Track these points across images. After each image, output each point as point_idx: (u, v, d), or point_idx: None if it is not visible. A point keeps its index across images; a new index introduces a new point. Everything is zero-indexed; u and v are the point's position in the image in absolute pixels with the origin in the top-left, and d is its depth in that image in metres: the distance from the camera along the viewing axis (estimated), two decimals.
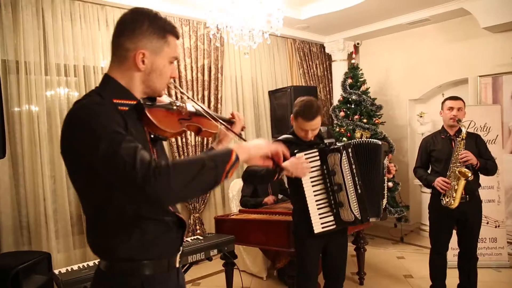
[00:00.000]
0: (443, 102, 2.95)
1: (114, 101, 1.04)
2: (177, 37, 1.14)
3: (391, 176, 2.25)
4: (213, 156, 1.00)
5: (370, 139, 2.24)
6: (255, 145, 1.11)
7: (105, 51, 3.64)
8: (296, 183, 2.15)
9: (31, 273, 2.61)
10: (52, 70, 3.31)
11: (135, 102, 1.09)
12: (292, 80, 5.31)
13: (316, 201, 2.11)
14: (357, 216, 2.11)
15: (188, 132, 4.10)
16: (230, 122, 1.46)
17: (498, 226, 3.81)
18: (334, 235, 2.25)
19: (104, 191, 1.02)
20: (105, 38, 3.63)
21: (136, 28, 1.06)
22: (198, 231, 4.21)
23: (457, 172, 2.69)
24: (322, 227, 2.11)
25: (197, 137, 4.24)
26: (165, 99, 1.22)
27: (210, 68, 4.32)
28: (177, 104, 1.21)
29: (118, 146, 0.91)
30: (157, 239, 1.10)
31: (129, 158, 0.90)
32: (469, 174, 2.64)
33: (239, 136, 1.38)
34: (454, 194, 2.72)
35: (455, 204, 2.73)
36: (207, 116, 1.28)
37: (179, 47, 1.16)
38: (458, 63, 4.63)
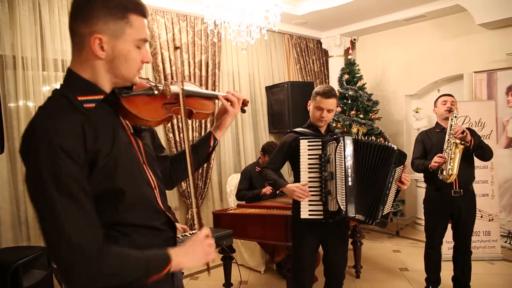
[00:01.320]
0: (436, 100, 3.03)
1: (79, 98, 0.93)
2: (144, 16, 0.99)
3: (405, 187, 2.18)
4: (148, 263, 0.94)
5: (382, 142, 2.17)
6: (190, 259, 1.03)
7: None
8: (296, 170, 2.24)
9: (30, 268, 2.63)
10: (49, 66, 3.30)
11: (102, 97, 0.96)
12: (289, 76, 5.33)
13: (310, 187, 2.13)
14: (341, 207, 2.03)
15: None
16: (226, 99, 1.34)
17: (492, 219, 3.88)
18: (333, 233, 2.28)
19: None
20: None
21: (89, 9, 0.91)
22: (196, 226, 4.23)
23: (452, 142, 2.69)
24: (309, 214, 2.12)
25: (194, 133, 4.25)
26: (145, 84, 1.09)
27: (207, 63, 4.32)
28: (159, 88, 1.08)
29: (55, 218, 0.82)
30: (147, 246, 1.01)
31: (55, 240, 0.83)
32: (468, 137, 2.65)
33: (242, 110, 1.37)
34: (451, 163, 2.69)
35: (453, 173, 2.69)
36: (199, 95, 1.21)
37: (145, 25, 0.99)
38: (454, 59, 4.67)
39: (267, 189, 3.69)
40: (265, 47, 5.07)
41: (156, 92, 1.07)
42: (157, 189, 1.10)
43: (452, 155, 2.71)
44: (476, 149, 2.77)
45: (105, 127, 0.95)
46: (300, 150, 2.18)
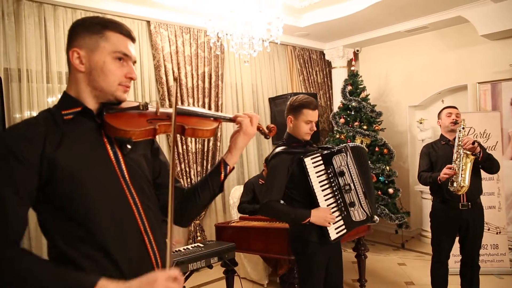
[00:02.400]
0: (440, 112, 3.00)
1: (62, 112, 1.02)
2: (123, 34, 1.06)
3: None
4: (64, 280, 0.89)
5: (355, 143, 2.34)
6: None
7: None
8: (305, 190, 2.08)
9: None
10: (53, 78, 3.34)
11: (79, 109, 1.03)
12: (292, 87, 5.34)
13: (327, 206, 2.06)
14: (368, 213, 2.13)
15: (189, 139, 4.13)
16: (231, 121, 1.26)
17: (499, 232, 3.80)
18: (336, 245, 2.24)
19: None
20: None
21: (72, 33, 1.05)
22: (199, 238, 4.20)
23: (462, 152, 2.65)
24: (337, 233, 2.07)
25: (197, 145, 4.25)
26: (132, 103, 1.13)
27: (210, 75, 4.35)
28: (147, 106, 1.12)
29: None
30: (108, 261, 0.98)
31: None
32: (478, 148, 2.61)
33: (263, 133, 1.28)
34: (462, 174, 2.64)
35: (465, 185, 2.64)
36: (198, 115, 1.19)
37: (125, 42, 1.05)
38: (457, 70, 4.66)
39: None
40: (268, 59, 5.10)
41: (142, 108, 1.10)
42: (140, 209, 1.06)
43: (463, 166, 2.66)
44: (485, 161, 2.71)
45: (76, 138, 1.01)
46: (308, 170, 2.04)
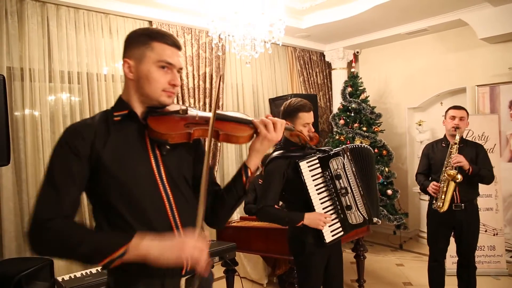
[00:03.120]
0: (446, 111, 2.95)
1: (115, 113, 1.16)
2: (166, 43, 1.15)
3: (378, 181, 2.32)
4: (98, 241, 1.03)
5: (361, 144, 2.29)
6: (161, 252, 1.01)
7: (108, 59, 3.69)
8: (301, 193, 2.09)
9: (33, 280, 2.62)
10: (56, 77, 3.35)
11: (126, 112, 1.16)
12: (292, 88, 5.37)
13: (323, 209, 2.08)
14: (365, 216, 2.13)
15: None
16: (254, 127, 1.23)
17: (497, 234, 3.84)
18: (336, 246, 2.25)
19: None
20: (108, 46, 3.68)
21: (124, 45, 1.18)
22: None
23: (445, 174, 2.72)
24: (332, 235, 2.08)
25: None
26: (175, 107, 1.21)
27: (211, 76, 4.37)
28: (188, 110, 1.20)
29: (42, 188, 1.06)
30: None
31: (34, 207, 1.04)
32: (458, 176, 2.65)
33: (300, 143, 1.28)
34: (443, 197, 2.74)
35: (444, 207, 2.75)
36: (234, 120, 1.22)
37: (169, 51, 1.14)
38: (456, 72, 4.70)
39: None
40: (269, 60, 5.12)
41: (182, 113, 1.18)
42: (174, 205, 1.15)
43: (445, 189, 2.75)
44: (474, 177, 2.76)
45: (121, 137, 1.14)
46: (303, 174, 2.06)
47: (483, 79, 4.42)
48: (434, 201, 2.83)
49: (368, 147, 2.29)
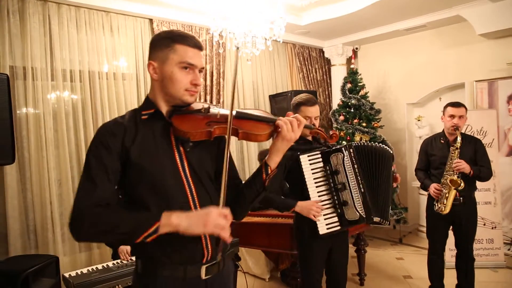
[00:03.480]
0: (445, 107, 2.96)
1: (142, 112, 1.25)
2: (188, 45, 1.21)
3: (395, 184, 2.32)
4: (133, 220, 1.11)
5: (377, 144, 2.26)
6: (189, 223, 1.10)
7: (109, 56, 3.70)
8: (300, 185, 2.18)
9: (40, 276, 2.66)
10: (58, 76, 3.37)
11: (153, 110, 1.24)
12: (292, 85, 5.39)
13: (321, 201, 2.14)
14: (362, 214, 2.13)
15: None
16: (274, 125, 1.25)
17: (495, 227, 3.90)
18: (339, 239, 2.29)
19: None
20: (109, 44, 3.70)
21: (150, 48, 1.26)
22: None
23: (448, 181, 2.77)
24: (327, 228, 2.13)
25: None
26: (198, 106, 1.27)
27: (212, 73, 4.39)
28: (210, 109, 1.25)
29: (81, 181, 1.15)
30: (172, 240, 1.15)
31: (74, 199, 1.14)
32: (461, 183, 2.72)
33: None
34: (445, 201, 2.82)
35: (445, 211, 2.83)
36: (254, 119, 1.25)
37: (191, 53, 1.20)
38: (455, 68, 4.73)
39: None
40: (269, 56, 5.14)
41: (203, 111, 1.24)
42: (196, 198, 1.22)
43: (447, 195, 2.81)
44: (474, 177, 2.87)
45: (147, 134, 1.22)
46: (303, 167, 2.14)
47: (482, 74, 4.46)
48: (435, 203, 2.89)
49: (384, 148, 2.24)
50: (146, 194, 1.18)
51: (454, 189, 2.75)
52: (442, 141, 2.99)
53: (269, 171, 1.28)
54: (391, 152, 2.27)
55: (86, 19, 3.53)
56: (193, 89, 1.23)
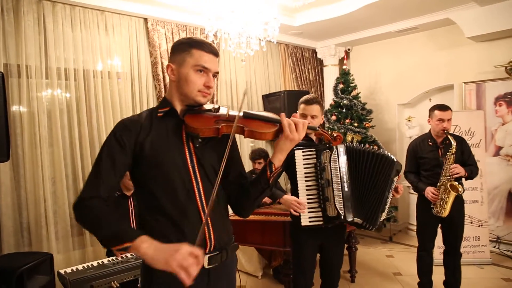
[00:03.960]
0: (432, 111, 3.02)
1: (159, 110, 1.36)
2: (204, 50, 1.31)
3: (398, 196, 2.29)
4: (112, 231, 1.17)
5: (379, 150, 2.27)
6: (154, 256, 1.10)
7: (104, 55, 3.72)
8: (293, 179, 2.31)
9: (34, 273, 2.67)
10: (52, 74, 3.37)
11: (168, 109, 1.35)
12: (285, 85, 5.45)
13: (307, 195, 2.24)
14: (340, 212, 2.15)
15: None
16: (280, 125, 1.32)
17: (481, 225, 4.01)
18: (332, 235, 2.37)
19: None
20: (104, 43, 3.71)
21: (170, 52, 1.38)
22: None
23: (448, 186, 2.84)
24: (310, 221, 2.22)
25: None
26: (209, 106, 1.37)
27: None
28: (220, 109, 1.35)
29: (91, 171, 1.27)
30: (175, 230, 1.25)
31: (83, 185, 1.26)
32: (460, 189, 2.81)
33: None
34: (444, 205, 2.87)
35: (445, 214, 2.89)
36: (261, 119, 1.32)
37: (206, 57, 1.30)
38: (444, 70, 4.84)
39: (267, 198, 3.79)
40: (262, 57, 5.19)
41: (214, 111, 1.34)
42: (202, 192, 1.31)
43: (446, 199, 2.87)
44: (466, 178, 2.99)
45: (161, 130, 1.32)
46: (296, 161, 2.26)
47: (470, 76, 4.57)
48: (433, 206, 2.95)
49: (386, 155, 2.23)
50: (155, 184, 1.28)
51: (455, 194, 2.83)
52: (431, 143, 3.05)
53: (273, 169, 1.32)
54: (395, 160, 2.22)
55: (81, 18, 3.54)
56: (206, 91, 1.32)
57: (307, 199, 2.25)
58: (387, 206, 2.23)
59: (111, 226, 1.18)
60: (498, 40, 4.31)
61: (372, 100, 5.54)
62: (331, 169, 2.21)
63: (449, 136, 2.88)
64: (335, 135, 1.61)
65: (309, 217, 2.23)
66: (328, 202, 2.20)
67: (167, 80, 4.09)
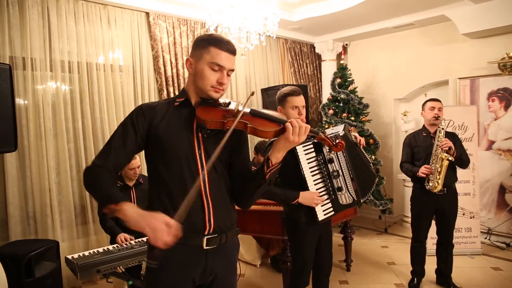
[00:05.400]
0: (424, 104, 3.19)
1: (176, 99, 1.46)
2: (221, 48, 1.37)
3: (364, 143, 2.41)
4: (105, 194, 1.30)
5: (342, 132, 2.34)
6: (135, 219, 1.20)
7: (107, 49, 3.79)
8: (295, 175, 2.27)
9: (41, 260, 2.78)
10: (56, 67, 3.44)
11: (183, 99, 1.45)
12: (283, 79, 5.53)
13: (316, 189, 2.28)
14: (355, 197, 2.31)
15: None
16: (282, 126, 1.36)
17: (473, 217, 4.14)
18: (326, 226, 2.46)
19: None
20: (106, 36, 3.78)
21: (192, 47, 1.47)
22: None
23: (439, 155, 2.94)
24: (324, 214, 2.29)
25: None
26: (221, 101, 1.45)
27: None
28: (230, 104, 1.44)
29: (106, 143, 1.41)
30: (176, 211, 1.28)
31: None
32: (451, 158, 2.90)
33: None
34: (438, 176, 2.97)
35: (439, 186, 2.97)
36: (265, 117, 1.38)
37: (222, 55, 1.37)
38: (440, 65, 4.94)
39: None
40: (261, 51, 5.27)
41: (224, 105, 1.42)
42: (206, 179, 1.38)
43: (439, 169, 2.96)
44: (457, 160, 3.02)
45: (175, 118, 1.42)
46: (299, 157, 2.24)
47: (464, 72, 4.67)
48: (427, 183, 3.03)
49: (338, 130, 2.35)
50: (163, 165, 1.39)
51: (447, 160, 2.90)
52: (425, 134, 3.18)
53: (270, 165, 1.37)
54: (339, 131, 2.33)
55: (84, 12, 3.60)
56: (218, 87, 1.40)
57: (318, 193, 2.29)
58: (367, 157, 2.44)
59: (105, 189, 1.31)
60: (491, 37, 4.41)
61: (369, 94, 5.64)
62: (339, 160, 2.29)
63: (438, 120, 3.01)
64: (337, 141, 1.62)
65: (323, 210, 2.28)
66: (340, 192, 2.29)
67: (168, 73, 4.17)
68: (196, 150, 1.40)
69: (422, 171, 3.02)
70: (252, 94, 1.49)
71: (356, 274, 3.70)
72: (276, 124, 1.37)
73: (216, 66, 1.38)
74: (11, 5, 3.17)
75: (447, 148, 2.91)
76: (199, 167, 1.39)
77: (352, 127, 2.41)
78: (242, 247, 4.01)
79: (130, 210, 1.23)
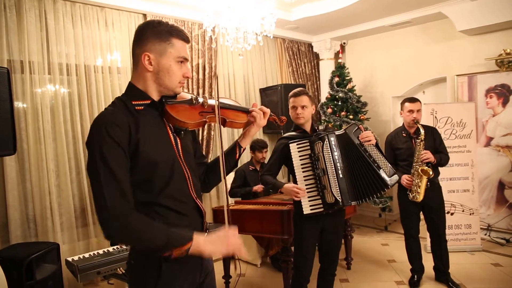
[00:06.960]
0: (402, 103, 3.24)
1: (133, 102, 1.24)
2: (184, 40, 1.27)
3: (374, 142, 2.38)
4: (169, 236, 1.14)
5: (342, 131, 2.42)
6: (213, 249, 1.18)
7: (104, 51, 3.79)
8: (292, 171, 2.45)
9: (42, 262, 2.78)
10: (54, 69, 3.44)
11: (149, 101, 1.25)
12: (282, 78, 5.54)
13: (306, 185, 2.38)
14: (338, 198, 2.31)
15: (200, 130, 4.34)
16: (248, 113, 1.48)
17: (472, 213, 4.15)
18: (331, 221, 2.50)
19: None
20: (104, 38, 3.78)
21: (141, 35, 1.24)
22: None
23: (419, 171, 3.01)
24: (311, 209, 2.37)
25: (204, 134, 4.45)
26: (186, 95, 1.35)
27: (204, 67, 4.50)
28: (198, 99, 1.34)
29: (101, 186, 1.10)
30: (172, 214, 1.26)
31: (98, 202, 1.11)
32: (431, 173, 2.97)
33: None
34: (418, 189, 3.04)
35: (420, 198, 3.05)
36: (233, 108, 1.43)
37: (185, 47, 1.27)
38: (437, 63, 4.94)
39: (259, 187, 3.91)
40: (259, 51, 5.27)
41: (195, 102, 1.33)
42: (190, 179, 1.33)
43: (419, 183, 3.03)
44: (436, 165, 3.14)
45: (147, 125, 1.24)
46: (292, 154, 2.40)
47: (462, 69, 4.68)
48: (409, 193, 3.12)
49: (343, 130, 2.41)
50: (151, 183, 1.22)
51: (426, 178, 3.00)
52: (404, 135, 3.24)
53: (242, 151, 1.51)
54: (344, 130, 2.40)
55: (81, 14, 3.61)
56: (183, 81, 1.30)
57: (306, 188, 2.38)
58: (381, 162, 2.35)
59: (163, 234, 1.14)
60: (489, 34, 4.42)
61: (367, 93, 5.65)
62: (325, 159, 2.33)
63: (418, 126, 3.05)
64: (282, 118, 1.72)
65: (310, 205, 2.37)
66: (325, 190, 2.33)
67: None
68: (177, 154, 1.31)
69: (404, 182, 3.10)
70: (217, 78, 1.53)
71: (356, 272, 3.71)
72: (245, 114, 1.46)
73: (183, 60, 1.27)
74: (8, 8, 3.18)
75: (426, 162, 3.01)
76: (184, 170, 1.32)
77: (361, 125, 2.43)
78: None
79: (205, 243, 1.17)
